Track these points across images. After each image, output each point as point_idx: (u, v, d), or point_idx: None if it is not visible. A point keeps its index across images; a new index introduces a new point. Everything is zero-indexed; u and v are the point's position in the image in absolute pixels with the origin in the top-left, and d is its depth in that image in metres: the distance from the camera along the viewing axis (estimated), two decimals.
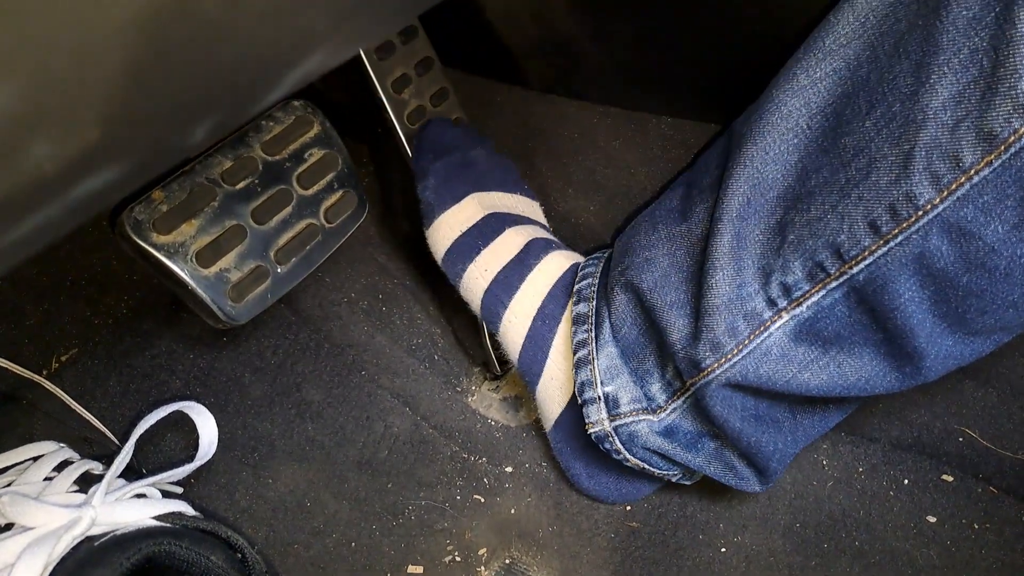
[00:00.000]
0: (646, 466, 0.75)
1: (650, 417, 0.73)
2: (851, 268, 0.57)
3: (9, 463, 0.69)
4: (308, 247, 0.75)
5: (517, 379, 0.94)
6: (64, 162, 0.25)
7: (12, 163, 0.24)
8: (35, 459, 0.69)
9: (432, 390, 0.90)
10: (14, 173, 0.24)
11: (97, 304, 0.84)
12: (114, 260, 0.84)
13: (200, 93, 0.28)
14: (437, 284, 0.85)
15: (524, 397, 0.93)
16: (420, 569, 0.81)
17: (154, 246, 0.65)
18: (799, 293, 0.60)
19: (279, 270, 0.72)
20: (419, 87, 0.87)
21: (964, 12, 0.49)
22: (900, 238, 0.54)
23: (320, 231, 0.76)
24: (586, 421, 0.74)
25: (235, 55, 0.27)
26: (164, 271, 0.66)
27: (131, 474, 0.70)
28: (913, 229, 0.53)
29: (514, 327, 0.80)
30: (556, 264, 0.81)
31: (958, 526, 0.82)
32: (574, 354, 0.75)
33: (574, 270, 0.81)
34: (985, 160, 0.49)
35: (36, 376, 0.75)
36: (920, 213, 0.52)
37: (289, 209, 0.73)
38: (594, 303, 0.76)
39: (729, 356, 0.64)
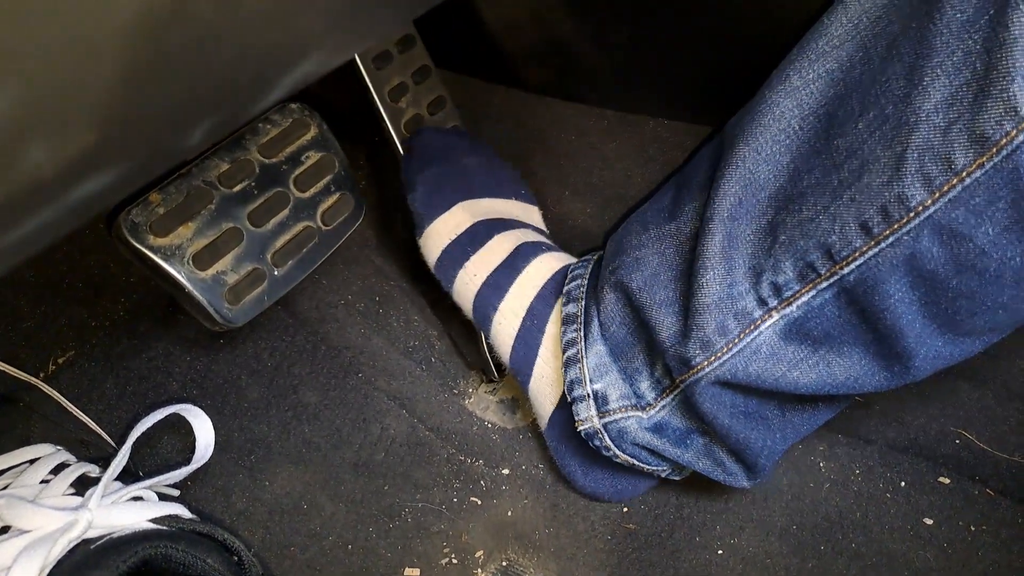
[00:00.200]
0: (635, 462, 0.76)
1: (639, 414, 0.73)
2: (842, 269, 0.57)
3: (6, 466, 0.69)
4: (305, 249, 0.75)
5: (513, 382, 0.94)
6: (61, 165, 0.25)
7: (9, 166, 0.24)
8: (32, 462, 0.69)
9: (429, 392, 0.90)
10: (11, 176, 0.24)
11: (94, 306, 0.84)
12: (111, 262, 0.84)
13: (196, 96, 0.28)
14: (434, 287, 0.85)
15: (521, 399, 0.93)
16: (416, 571, 0.81)
17: (151, 249, 0.65)
18: (789, 293, 0.60)
19: (276, 272, 0.72)
20: (416, 95, 0.87)
21: (957, 15, 0.49)
22: (891, 239, 0.54)
23: (317, 233, 0.76)
24: (575, 418, 0.75)
25: (231, 58, 0.27)
26: (161, 274, 0.66)
27: (128, 477, 0.70)
28: (904, 231, 0.53)
29: (504, 328, 0.80)
30: (545, 266, 0.81)
31: (955, 528, 0.82)
32: (563, 353, 0.76)
33: (564, 271, 0.81)
34: (977, 162, 0.49)
35: (33, 379, 0.75)
36: (912, 215, 0.52)
37: (286, 212, 0.73)
38: (583, 303, 0.76)
39: (719, 354, 0.64)
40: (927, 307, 0.56)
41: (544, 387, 0.80)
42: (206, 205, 0.69)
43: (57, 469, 0.68)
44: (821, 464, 0.86)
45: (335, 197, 0.77)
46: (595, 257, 0.81)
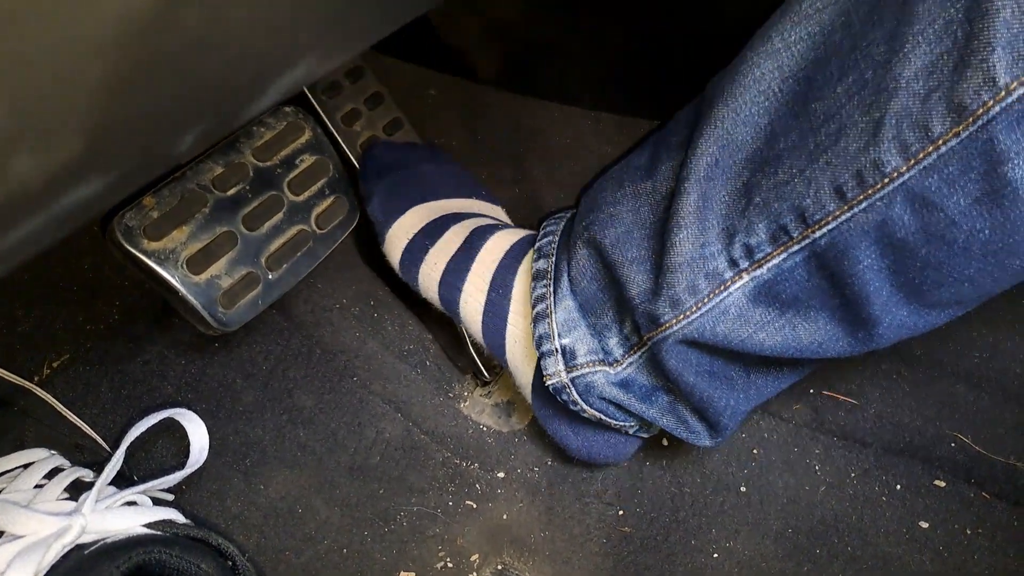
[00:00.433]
0: (602, 416, 0.76)
1: (606, 369, 0.73)
2: (814, 232, 0.57)
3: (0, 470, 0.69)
4: (299, 253, 0.75)
5: (509, 384, 0.94)
6: (49, 174, 0.25)
7: None
8: (26, 466, 0.69)
9: (424, 396, 0.90)
10: None
11: (89, 310, 0.84)
12: (106, 266, 0.84)
13: (184, 105, 0.28)
14: None
15: (516, 402, 0.93)
16: (412, 575, 0.81)
17: (145, 252, 0.65)
18: (761, 255, 0.60)
19: (270, 276, 0.72)
20: (370, 119, 0.89)
21: None
22: (864, 205, 0.54)
23: (311, 237, 0.76)
24: (543, 373, 0.74)
25: (218, 67, 0.27)
26: (155, 277, 0.66)
27: (122, 481, 0.70)
28: (878, 196, 0.53)
29: (471, 307, 0.81)
30: (503, 240, 0.82)
31: (950, 531, 0.82)
32: (532, 309, 0.75)
33: (523, 242, 0.82)
34: (953, 131, 0.49)
35: (27, 383, 0.75)
36: (886, 180, 0.52)
37: (280, 215, 0.73)
38: (553, 259, 0.76)
39: (687, 313, 0.64)
40: (895, 275, 0.56)
41: (519, 352, 0.80)
42: (200, 209, 0.69)
43: (51, 474, 0.68)
44: (817, 467, 0.86)
45: (329, 201, 0.77)
46: (567, 215, 0.81)
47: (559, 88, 0.91)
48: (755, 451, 0.87)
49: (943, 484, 0.84)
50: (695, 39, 0.77)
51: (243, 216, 0.71)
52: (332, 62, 0.35)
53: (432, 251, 0.82)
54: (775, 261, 0.60)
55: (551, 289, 0.75)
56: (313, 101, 0.83)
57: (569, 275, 0.74)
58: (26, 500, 0.64)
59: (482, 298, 0.80)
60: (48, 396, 0.75)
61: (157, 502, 0.70)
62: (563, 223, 0.80)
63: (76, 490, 0.66)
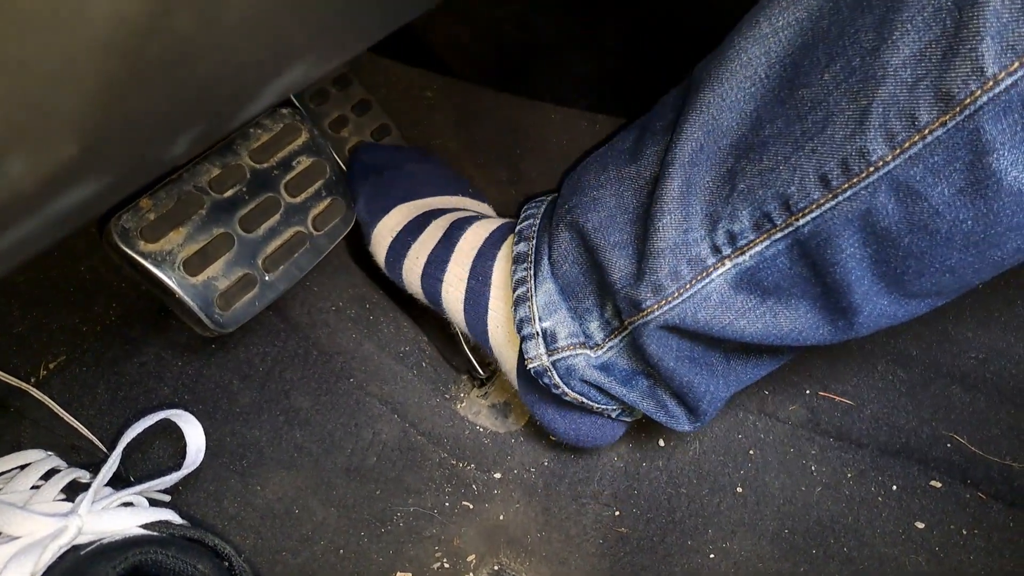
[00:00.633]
0: (584, 399, 0.76)
1: (587, 352, 0.73)
2: (797, 220, 0.57)
3: None
4: (296, 255, 0.75)
5: (505, 385, 0.94)
6: (42, 177, 0.25)
7: None
8: (22, 467, 0.69)
9: (420, 397, 0.90)
10: None
11: (86, 312, 0.84)
12: (102, 267, 0.84)
13: (178, 108, 0.28)
14: None
15: (513, 403, 0.93)
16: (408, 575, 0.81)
17: (141, 254, 0.65)
18: (744, 242, 0.60)
19: (267, 278, 0.72)
20: (358, 125, 0.91)
21: None
22: (849, 193, 0.54)
23: (308, 239, 0.76)
24: (525, 356, 0.74)
25: (212, 70, 0.27)
26: (152, 279, 0.66)
27: (118, 482, 0.70)
28: (862, 185, 0.53)
29: (453, 296, 0.81)
30: (482, 229, 0.82)
31: (946, 532, 0.82)
32: (513, 292, 0.76)
33: (502, 229, 0.82)
34: (940, 120, 0.49)
35: (24, 384, 0.75)
36: (871, 169, 0.52)
37: (277, 217, 0.73)
38: (534, 242, 0.76)
39: (669, 299, 0.64)
40: (877, 264, 0.56)
41: (501, 337, 0.80)
42: (197, 210, 0.69)
43: (48, 475, 0.68)
44: (813, 468, 0.86)
45: (326, 202, 0.77)
46: (548, 198, 0.81)
47: (555, 90, 0.91)
48: (751, 452, 0.87)
49: (939, 485, 0.84)
50: (692, 40, 0.77)
51: (240, 218, 0.71)
52: (327, 65, 0.35)
53: (414, 246, 0.83)
54: (758, 248, 0.60)
55: (532, 272, 0.75)
56: (300, 108, 0.84)
57: (550, 258, 0.74)
58: (23, 501, 0.64)
59: (462, 286, 0.80)
60: (45, 397, 0.75)
61: (154, 503, 0.70)
62: (544, 206, 0.80)
63: (73, 491, 0.66)
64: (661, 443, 0.89)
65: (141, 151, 0.29)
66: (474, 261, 0.80)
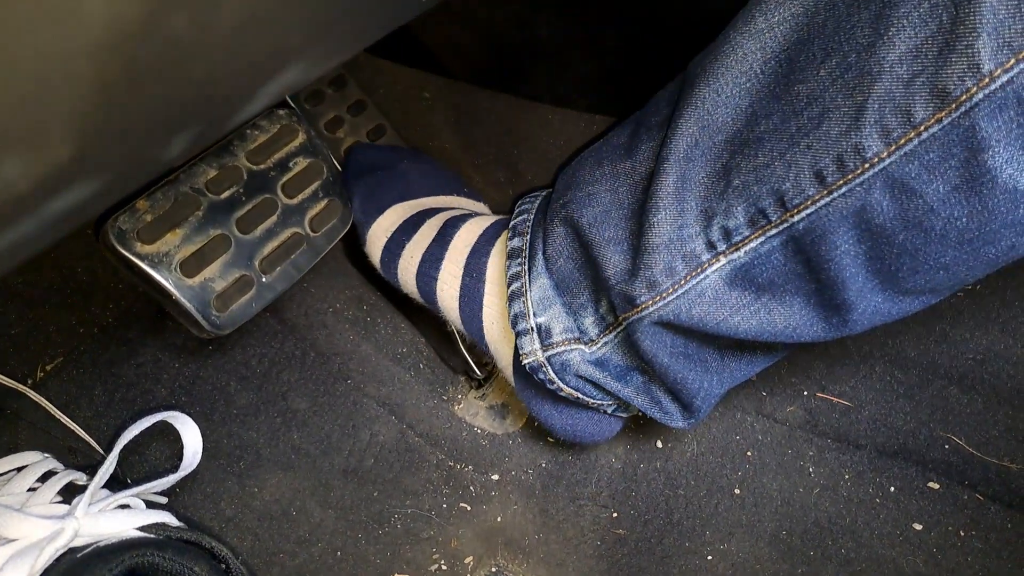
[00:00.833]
0: (579, 395, 0.76)
1: (582, 347, 0.73)
2: (792, 216, 0.57)
3: None
4: (293, 256, 0.75)
5: (503, 386, 0.94)
6: (36, 179, 0.25)
7: None
8: (19, 469, 0.69)
9: (418, 398, 0.90)
10: None
11: (82, 313, 0.84)
12: (99, 269, 0.84)
13: (173, 109, 0.28)
14: None
15: (510, 405, 0.93)
16: None
17: (138, 256, 0.65)
18: (739, 238, 0.60)
19: (264, 279, 0.72)
20: (354, 125, 0.91)
21: None
22: (844, 190, 0.54)
23: (305, 240, 0.76)
24: (520, 352, 0.74)
25: (207, 71, 0.27)
26: (148, 281, 0.66)
27: (115, 484, 0.70)
28: (857, 182, 0.53)
29: (448, 294, 0.81)
30: (475, 226, 0.82)
31: (944, 533, 0.82)
32: (508, 287, 0.76)
33: (496, 225, 0.82)
34: (936, 117, 0.49)
35: (21, 386, 0.75)
36: (867, 166, 0.52)
37: (274, 218, 0.73)
38: (528, 237, 0.76)
39: (664, 295, 0.64)
40: (871, 261, 0.56)
41: (496, 333, 0.80)
42: (194, 212, 0.69)
43: (44, 477, 0.68)
44: (811, 469, 0.86)
45: (323, 203, 0.77)
46: (542, 194, 0.81)
47: (554, 91, 0.91)
48: (749, 453, 0.87)
49: (937, 486, 0.84)
50: (690, 41, 0.77)
51: (237, 219, 0.71)
52: (323, 66, 0.35)
53: (408, 245, 0.83)
54: (752, 244, 0.60)
55: (526, 267, 0.75)
56: (296, 109, 0.84)
57: (544, 253, 0.74)
58: (19, 503, 0.63)
59: (457, 284, 0.80)
60: (41, 399, 0.75)
61: (151, 505, 0.70)
62: (538, 201, 0.80)
63: (69, 493, 0.66)
64: (659, 444, 0.89)
65: (137, 152, 0.29)
66: (468, 258, 0.80)
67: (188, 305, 0.68)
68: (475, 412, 0.93)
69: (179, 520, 0.68)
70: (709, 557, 0.83)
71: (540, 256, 0.74)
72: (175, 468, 0.72)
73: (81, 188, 0.29)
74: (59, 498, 0.65)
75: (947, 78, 0.48)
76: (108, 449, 0.71)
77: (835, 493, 0.85)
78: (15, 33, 0.20)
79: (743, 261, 0.61)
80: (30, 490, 0.66)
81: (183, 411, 0.75)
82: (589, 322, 0.73)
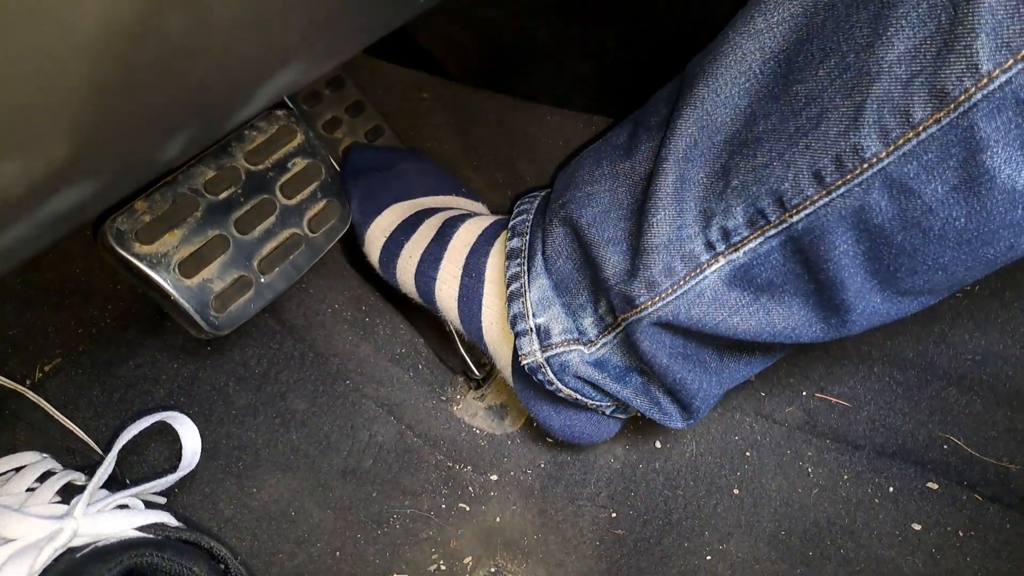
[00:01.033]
0: (578, 396, 0.76)
1: (581, 348, 0.73)
2: (791, 217, 0.57)
3: None
4: (292, 257, 0.75)
5: (502, 387, 0.94)
6: (35, 180, 0.25)
7: None
8: (17, 470, 0.69)
9: (417, 399, 0.90)
10: None
11: (81, 314, 0.84)
12: (97, 270, 0.84)
13: (171, 109, 0.28)
14: None
15: (509, 405, 0.93)
16: None
17: (136, 256, 0.65)
18: (738, 238, 0.60)
19: (262, 280, 0.72)
20: (352, 126, 0.91)
21: None
22: (842, 190, 0.54)
23: (304, 240, 0.76)
24: (519, 352, 0.74)
25: (205, 72, 0.27)
26: (147, 281, 0.66)
27: (114, 484, 0.70)
28: (856, 182, 0.53)
29: (446, 293, 0.81)
30: (474, 226, 0.82)
31: (943, 534, 0.82)
32: (507, 288, 0.75)
33: (495, 225, 0.82)
34: (934, 117, 0.49)
35: (19, 386, 0.75)
36: (865, 166, 0.52)
37: (272, 219, 0.73)
38: (527, 237, 0.76)
39: (663, 295, 0.64)
40: (870, 262, 0.56)
41: (496, 334, 0.80)
42: (192, 212, 0.69)
43: (43, 477, 0.68)
44: (809, 469, 0.86)
45: (321, 204, 0.77)
46: (541, 194, 0.81)
47: (551, 91, 0.91)
48: (748, 453, 0.87)
49: (936, 486, 0.84)
50: (688, 41, 0.77)
51: (235, 220, 0.71)
52: (320, 68, 0.35)
53: (407, 245, 0.83)
54: (751, 245, 0.60)
55: (525, 268, 0.75)
56: (294, 109, 0.84)
57: (544, 254, 0.74)
58: (18, 503, 0.63)
59: (456, 284, 0.80)
60: (40, 400, 0.75)
61: (149, 505, 0.70)
62: (537, 201, 0.80)
63: (68, 493, 0.66)
64: (658, 444, 0.89)
65: (135, 153, 0.29)
66: (467, 258, 0.80)
67: (186, 306, 0.68)
68: (474, 412, 0.93)
69: (178, 520, 0.68)
70: (708, 557, 0.83)
71: (539, 256, 0.74)
72: (174, 468, 0.72)
73: (79, 189, 0.29)
74: (58, 498, 0.65)
75: (946, 78, 0.48)
76: (107, 449, 0.71)
77: (834, 493, 0.85)
78: (13, 33, 0.20)
79: (742, 261, 0.61)
80: (29, 490, 0.66)
81: (182, 412, 0.75)
82: (588, 323, 0.73)
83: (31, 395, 0.75)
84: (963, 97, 0.48)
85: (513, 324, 0.75)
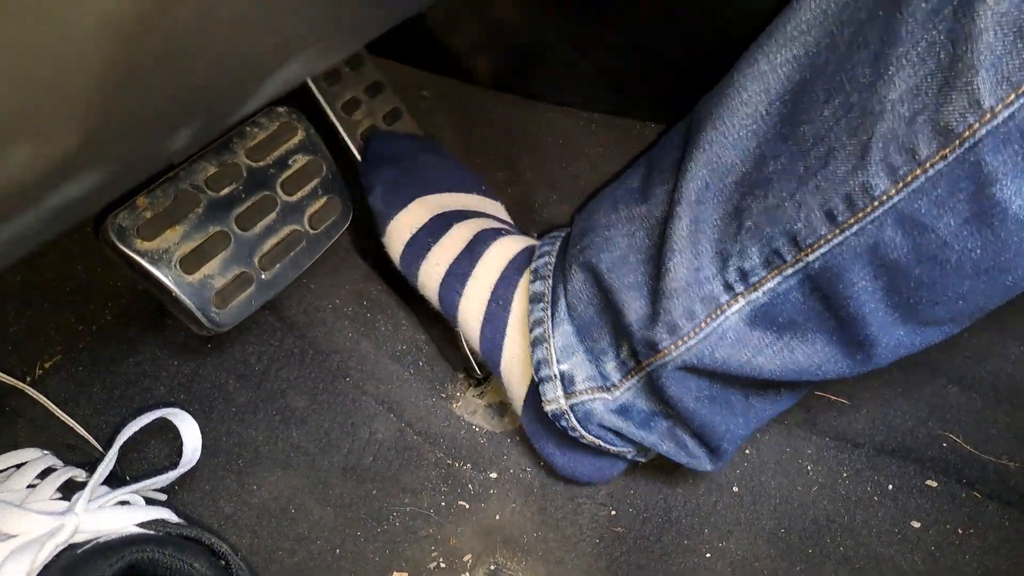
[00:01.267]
0: (601, 443, 0.76)
1: (605, 395, 0.73)
2: (807, 256, 0.57)
3: None
4: (292, 253, 0.75)
5: (501, 386, 0.94)
6: (43, 168, 0.25)
7: None
8: (18, 466, 0.69)
9: (417, 396, 0.90)
10: None
11: (81, 311, 0.84)
12: (99, 266, 0.84)
13: (178, 100, 0.28)
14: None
15: (508, 403, 0.93)
16: (405, 575, 0.81)
17: (138, 252, 0.65)
18: (756, 279, 0.61)
19: (263, 276, 0.72)
20: (371, 108, 0.89)
21: (923, 4, 0.50)
22: (855, 228, 0.54)
23: (304, 237, 0.76)
24: (543, 398, 0.75)
25: (212, 63, 0.27)
26: (148, 277, 0.66)
27: (114, 481, 0.70)
28: (868, 220, 0.53)
29: (470, 313, 0.81)
30: (507, 248, 0.82)
31: (942, 531, 0.82)
32: (530, 332, 0.76)
33: (526, 252, 0.82)
34: (940, 154, 0.49)
35: (20, 383, 0.75)
36: (876, 204, 0.53)
37: (273, 215, 0.73)
38: (550, 281, 0.76)
39: (685, 339, 0.64)
40: (890, 296, 0.57)
41: (514, 368, 0.80)
42: (193, 209, 0.69)
43: (44, 474, 0.68)
44: (809, 467, 0.86)
45: (323, 201, 0.77)
46: (563, 234, 0.81)
47: (552, 89, 0.91)
48: (748, 451, 0.87)
49: (935, 484, 0.84)
50: (687, 40, 0.77)
51: (236, 216, 0.71)
52: (326, 60, 0.35)
53: (435, 249, 0.82)
54: (770, 284, 0.60)
55: (548, 313, 0.75)
56: (314, 88, 0.83)
57: (567, 300, 0.74)
58: (19, 500, 0.63)
59: (483, 307, 0.80)
60: (40, 396, 0.75)
61: (150, 502, 0.70)
62: (559, 243, 0.80)
63: (69, 490, 0.66)
64: None
65: (142, 143, 0.29)
66: (497, 283, 0.80)
67: (188, 302, 0.68)
68: (474, 410, 0.93)
69: (178, 517, 0.67)
70: (708, 555, 0.83)
71: (563, 302, 0.74)
72: (174, 465, 0.72)
73: (85, 179, 0.29)
74: (59, 495, 0.65)
75: (949, 115, 0.48)
76: (107, 446, 0.71)
77: (833, 491, 0.85)
78: (25, 22, 0.20)
79: (762, 301, 0.61)
80: (30, 487, 0.66)
81: (182, 409, 0.75)
82: (611, 367, 0.73)
83: (32, 392, 0.75)
84: (967, 133, 0.48)
85: (537, 369, 0.75)
